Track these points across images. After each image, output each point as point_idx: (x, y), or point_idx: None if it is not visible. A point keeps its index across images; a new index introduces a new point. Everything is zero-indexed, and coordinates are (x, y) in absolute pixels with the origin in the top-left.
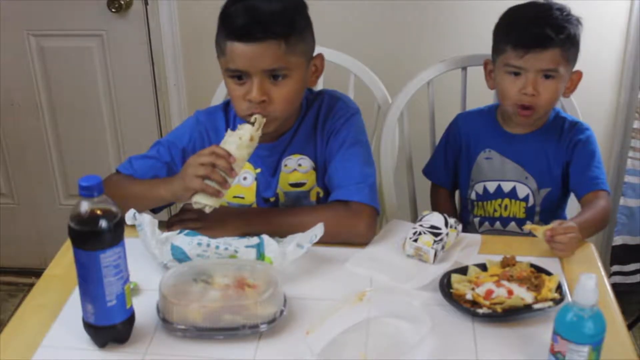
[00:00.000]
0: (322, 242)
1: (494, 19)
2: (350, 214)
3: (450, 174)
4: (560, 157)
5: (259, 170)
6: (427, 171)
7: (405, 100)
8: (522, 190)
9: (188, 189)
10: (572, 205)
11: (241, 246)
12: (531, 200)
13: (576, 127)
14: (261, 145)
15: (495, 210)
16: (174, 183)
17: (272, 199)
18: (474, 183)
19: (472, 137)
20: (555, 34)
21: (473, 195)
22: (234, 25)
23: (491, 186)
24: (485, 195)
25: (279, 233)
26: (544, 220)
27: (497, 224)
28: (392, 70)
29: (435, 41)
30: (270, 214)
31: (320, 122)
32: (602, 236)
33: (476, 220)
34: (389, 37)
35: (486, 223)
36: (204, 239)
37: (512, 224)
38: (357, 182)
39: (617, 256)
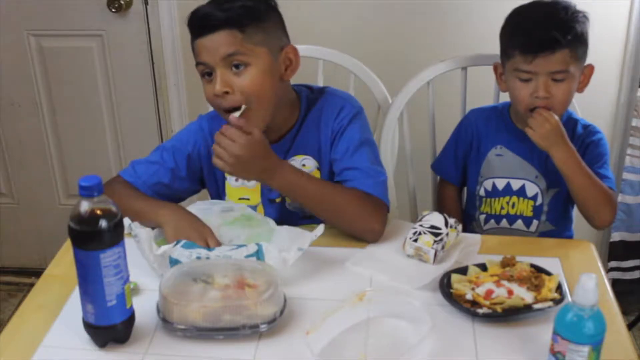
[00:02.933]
0: (332, 228)
1: (494, 18)
2: (371, 207)
3: (459, 170)
4: None
5: None
6: (436, 165)
7: (405, 100)
8: (531, 189)
9: (169, 237)
10: None
11: (240, 257)
12: (539, 199)
13: (588, 130)
14: None
15: (502, 208)
16: (167, 225)
17: (277, 200)
18: (483, 179)
19: (484, 133)
20: (562, 36)
21: (481, 192)
22: (194, 23)
23: (500, 183)
24: (494, 192)
25: (293, 197)
26: (551, 220)
27: (504, 222)
28: (392, 70)
29: (435, 41)
30: (294, 177)
31: (324, 122)
32: (599, 232)
33: (482, 217)
34: (389, 37)
35: (492, 221)
36: (202, 252)
37: (519, 221)
38: (373, 177)
39: (614, 252)
